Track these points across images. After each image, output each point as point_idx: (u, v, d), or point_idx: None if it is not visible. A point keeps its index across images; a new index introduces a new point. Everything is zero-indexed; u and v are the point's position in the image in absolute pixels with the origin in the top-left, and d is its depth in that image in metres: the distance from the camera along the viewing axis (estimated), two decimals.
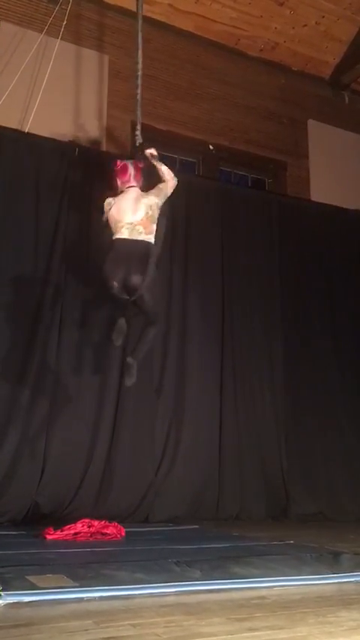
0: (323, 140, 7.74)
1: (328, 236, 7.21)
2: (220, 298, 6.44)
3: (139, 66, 5.13)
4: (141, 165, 4.60)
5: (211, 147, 7.12)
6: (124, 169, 4.53)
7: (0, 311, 5.37)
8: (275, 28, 7.30)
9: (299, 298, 6.87)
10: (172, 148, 6.92)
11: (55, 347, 5.47)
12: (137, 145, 4.96)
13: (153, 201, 4.40)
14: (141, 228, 4.32)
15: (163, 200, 4.52)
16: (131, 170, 4.53)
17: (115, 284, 4.20)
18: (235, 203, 6.82)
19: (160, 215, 4.51)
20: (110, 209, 4.45)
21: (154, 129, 6.31)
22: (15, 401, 5.24)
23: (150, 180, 4.67)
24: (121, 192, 4.54)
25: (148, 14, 6.05)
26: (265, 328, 6.62)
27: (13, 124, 5.74)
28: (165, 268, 6.12)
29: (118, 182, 4.57)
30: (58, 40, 5.93)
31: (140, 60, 5.13)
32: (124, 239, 4.32)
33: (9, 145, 5.67)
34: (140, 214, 4.34)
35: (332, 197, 7.41)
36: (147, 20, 5.77)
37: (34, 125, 5.77)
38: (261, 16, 7.13)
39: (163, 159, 4.83)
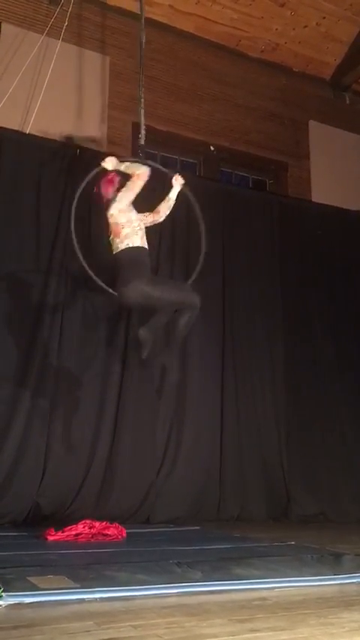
0: (324, 141, 7.74)
1: (329, 237, 7.21)
2: (221, 298, 6.44)
3: (142, 68, 5.11)
4: (110, 176, 4.50)
5: (212, 148, 7.12)
6: (98, 193, 4.53)
7: (1, 312, 5.38)
8: (276, 29, 7.30)
9: (300, 298, 6.87)
10: (172, 149, 6.94)
11: (56, 348, 5.48)
12: (139, 145, 4.95)
13: (113, 210, 4.34)
14: (116, 239, 4.34)
15: (128, 198, 4.35)
16: (105, 188, 4.51)
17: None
18: (236, 204, 6.82)
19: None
20: None
21: (155, 130, 6.31)
22: (16, 402, 5.24)
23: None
24: None
25: (149, 15, 6.05)
26: (265, 328, 6.62)
27: (14, 125, 5.76)
28: (165, 269, 6.13)
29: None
30: (59, 41, 5.94)
31: (142, 63, 5.12)
32: (114, 255, 4.38)
33: (10, 146, 5.67)
34: (110, 228, 4.37)
35: (333, 198, 7.42)
36: (148, 21, 5.77)
37: (35, 126, 5.79)
38: (262, 17, 7.14)
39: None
